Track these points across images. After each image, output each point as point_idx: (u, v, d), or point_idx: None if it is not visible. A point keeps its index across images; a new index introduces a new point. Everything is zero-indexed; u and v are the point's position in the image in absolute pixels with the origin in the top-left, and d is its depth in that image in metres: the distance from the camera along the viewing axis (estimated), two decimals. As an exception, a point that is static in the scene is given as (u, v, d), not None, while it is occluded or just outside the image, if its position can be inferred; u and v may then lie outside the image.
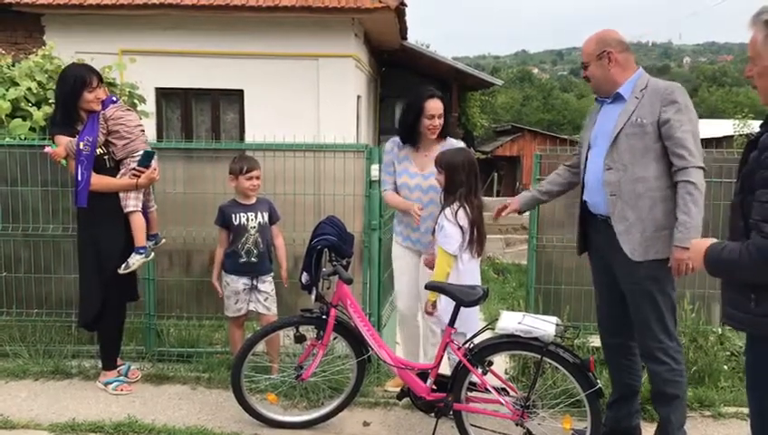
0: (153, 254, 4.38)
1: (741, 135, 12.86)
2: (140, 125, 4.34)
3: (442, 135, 4.20)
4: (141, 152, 4.20)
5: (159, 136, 10.53)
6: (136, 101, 5.95)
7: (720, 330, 4.68)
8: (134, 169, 4.17)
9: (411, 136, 4.21)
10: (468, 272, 3.69)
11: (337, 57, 10.84)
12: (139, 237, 4.20)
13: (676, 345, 3.38)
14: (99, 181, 4.12)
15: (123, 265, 4.16)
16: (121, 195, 4.18)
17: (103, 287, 4.21)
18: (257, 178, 4.29)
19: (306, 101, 10.59)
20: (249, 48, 10.68)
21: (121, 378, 4.40)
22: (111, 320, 4.34)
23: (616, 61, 3.34)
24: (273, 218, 4.38)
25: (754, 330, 2.24)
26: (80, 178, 4.08)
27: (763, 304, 2.16)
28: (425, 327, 4.26)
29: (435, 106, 4.09)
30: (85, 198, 4.10)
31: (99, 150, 4.13)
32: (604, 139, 3.37)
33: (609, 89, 3.39)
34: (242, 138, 10.63)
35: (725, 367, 4.52)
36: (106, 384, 4.34)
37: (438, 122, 4.11)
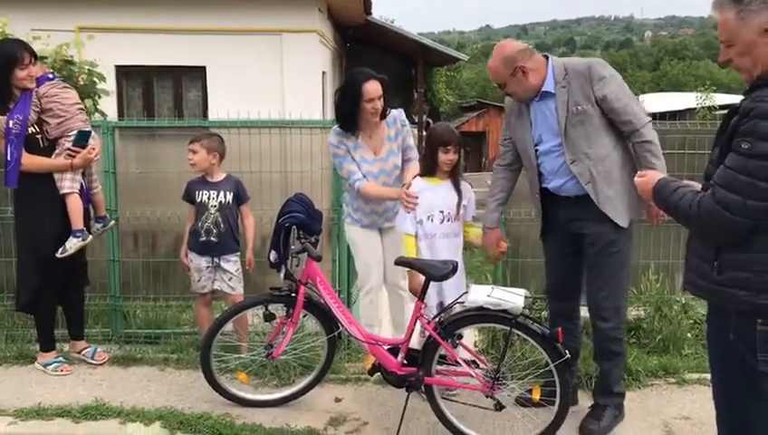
0: (91, 237, 4.24)
1: (703, 108, 13.03)
2: (78, 103, 4.22)
3: (386, 114, 4.05)
4: (76, 131, 4.08)
5: (121, 114, 10.30)
6: (95, 79, 5.79)
7: (683, 299, 4.77)
8: (69, 148, 4.05)
9: (352, 123, 4.00)
10: None
11: (301, 32, 10.68)
12: (76, 220, 4.08)
13: (623, 305, 3.57)
14: (31, 161, 4.00)
15: (60, 249, 4.05)
16: (56, 176, 4.06)
17: (40, 270, 4.11)
18: (193, 151, 4.19)
19: (270, 78, 10.43)
20: (211, 24, 10.47)
21: (60, 358, 4.35)
22: (48, 302, 4.26)
23: (530, 70, 3.35)
24: (240, 198, 4.31)
25: (714, 298, 2.28)
26: (9, 157, 3.97)
27: (724, 272, 2.19)
28: (392, 297, 4.26)
29: (374, 88, 3.87)
30: (15, 178, 3.99)
31: (31, 129, 4.01)
32: (551, 135, 3.42)
33: (533, 94, 3.42)
34: (205, 115, 10.46)
35: (689, 335, 4.62)
36: (45, 366, 4.29)
37: (379, 104, 3.92)
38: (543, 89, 3.39)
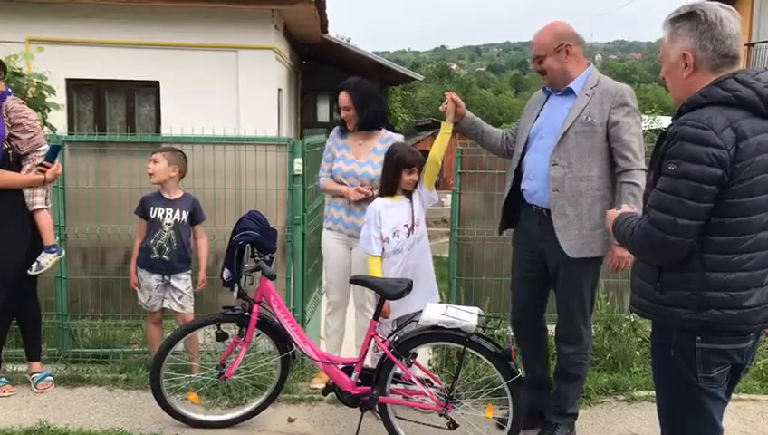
0: (63, 252, 4.18)
1: (651, 130, 13.44)
2: (38, 119, 4.15)
3: (370, 126, 4.19)
4: (47, 147, 4.00)
5: (71, 129, 10.11)
6: (45, 92, 5.68)
7: (632, 317, 4.87)
8: (41, 164, 3.96)
9: (343, 125, 4.25)
10: None
11: (257, 49, 10.67)
12: (48, 236, 4.01)
13: (588, 332, 3.59)
14: (2, 177, 3.89)
15: (34, 266, 3.96)
16: (27, 192, 3.98)
17: (6, 289, 3.97)
18: (154, 161, 4.13)
19: (225, 94, 10.38)
20: (165, 39, 10.38)
21: (3, 379, 4.21)
22: (3, 321, 4.16)
23: (573, 54, 3.40)
24: (196, 218, 4.25)
25: (659, 318, 2.35)
26: None
27: (666, 292, 2.26)
28: (359, 320, 4.25)
29: (342, 99, 4.15)
30: None
31: (4, 145, 3.91)
32: (551, 132, 3.43)
33: (564, 82, 3.44)
34: (158, 131, 10.34)
35: (638, 353, 4.71)
36: None
37: (346, 114, 4.14)
38: (571, 85, 3.41)
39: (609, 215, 2.53)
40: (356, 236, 4.07)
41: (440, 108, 3.85)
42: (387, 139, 4.19)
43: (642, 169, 3.32)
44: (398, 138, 4.28)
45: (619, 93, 3.35)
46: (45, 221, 4.03)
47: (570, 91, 3.43)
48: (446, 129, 3.83)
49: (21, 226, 3.99)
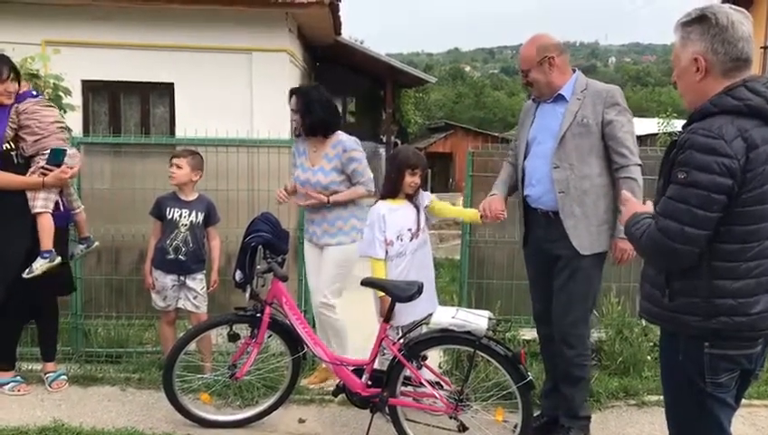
0: (59, 259, 4.08)
1: (665, 133, 13.34)
2: (59, 122, 4.16)
3: (314, 132, 4.21)
4: (50, 149, 4.01)
5: (86, 130, 10.18)
6: (61, 93, 5.73)
7: (643, 322, 4.85)
8: (42, 166, 3.98)
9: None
10: None
11: (271, 52, 10.70)
12: (45, 241, 3.99)
13: (589, 332, 3.64)
14: (1, 178, 3.91)
15: (27, 270, 3.96)
16: (29, 194, 3.98)
17: (6, 288, 3.99)
18: (177, 166, 4.18)
19: (239, 96, 10.41)
20: (180, 41, 10.43)
21: (18, 378, 4.25)
22: (10, 320, 4.18)
23: (556, 65, 3.46)
24: (210, 219, 4.29)
25: (666, 324, 2.34)
26: None
27: (675, 299, 2.25)
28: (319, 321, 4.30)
29: (291, 102, 4.22)
30: None
31: (6, 145, 3.93)
32: (548, 137, 3.48)
33: (550, 92, 3.51)
34: (172, 132, 10.39)
35: (649, 357, 4.69)
36: (1, 385, 4.19)
37: (294, 118, 4.22)
38: (561, 92, 3.48)
39: (625, 209, 2.47)
40: (313, 242, 4.28)
41: (488, 217, 3.68)
42: (336, 143, 4.21)
43: (638, 165, 3.42)
44: (349, 142, 4.23)
45: (610, 94, 3.45)
46: (45, 225, 4.00)
47: (560, 98, 3.50)
48: (474, 217, 3.91)
49: (21, 228, 3.99)
